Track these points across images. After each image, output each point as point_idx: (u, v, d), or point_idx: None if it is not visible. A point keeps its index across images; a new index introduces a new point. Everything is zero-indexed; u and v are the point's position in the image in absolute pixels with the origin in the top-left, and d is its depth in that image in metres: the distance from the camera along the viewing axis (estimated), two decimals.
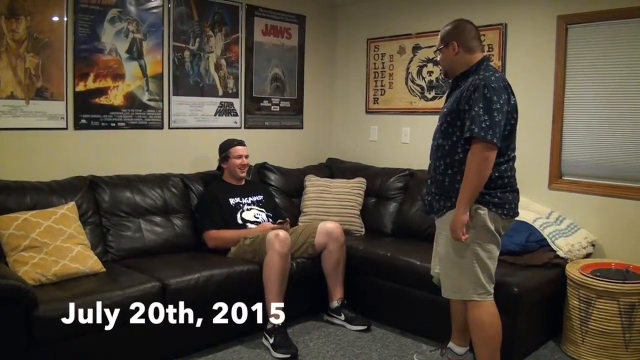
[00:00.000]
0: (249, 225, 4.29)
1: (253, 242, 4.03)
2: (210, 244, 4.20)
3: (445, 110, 3.10)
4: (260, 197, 4.53)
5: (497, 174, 2.95)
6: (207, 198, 4.37)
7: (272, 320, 3.78)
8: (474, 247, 2.99)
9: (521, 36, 4.50)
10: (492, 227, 2.99)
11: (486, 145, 2.82)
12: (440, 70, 3.25)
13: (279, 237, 3.83)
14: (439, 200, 3.13)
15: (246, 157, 4.50)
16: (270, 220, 4.40)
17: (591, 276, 3.57)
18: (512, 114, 2.97)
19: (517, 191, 3.09)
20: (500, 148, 2.88)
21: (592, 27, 4.12)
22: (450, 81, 3.25)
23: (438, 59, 3.24)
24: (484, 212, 2.96)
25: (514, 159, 3.06)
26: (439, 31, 4.92)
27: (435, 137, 3.18)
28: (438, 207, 3.15)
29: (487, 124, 2.80)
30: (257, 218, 4.37)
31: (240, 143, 4.52)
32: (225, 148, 4.50)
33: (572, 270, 3.69)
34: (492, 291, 3.07)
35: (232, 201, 4.35)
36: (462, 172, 2.93)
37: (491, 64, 3.16)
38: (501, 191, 2.99)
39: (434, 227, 4.47)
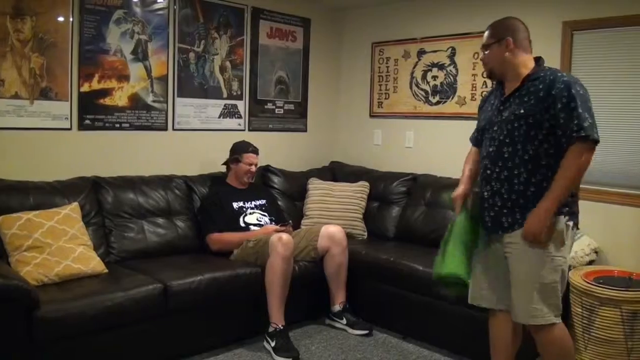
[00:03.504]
0: (252, 228, 4.29)
1: (256, 244, 4.03)
2: (213, 247, 4.20)
3: (521, 111, 2.71)
4: (263, 201, 4.53)
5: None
6: (210, 201, 4.37)
7: (274, 323, 3.78)
8: (560, 263, 2.73)
9: None
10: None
11: (590, 145, 2.62)
12: (483, 69, 2.97)
13: (282, 240, 3.83)
14: (511, 214, 2.77)
15: (255, 165, 4.50)
16: (273, 223, 4.39)
17: (594, 283, 3.55)
18: None
19: None
20: None
21: (597, 34, 4.12)
22: (493, 83, 3.05)
23: (481, 56, 2.94)
24: (570, 224, 2.74)
25: None
26: (443, 36, 5.00)
27: (504, 142, 2.78)
28: (510, 222, 2.77)
29: (590, 122, 2.60)
30: (260, 221, 4.37)
31: (255, 151, 4.52)
32: (239, 150, 4.50)
33: (575, 278, 3.68)
34: None
35: (235, 205, 4.35)
36: (548, 179, 2.67)
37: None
38: (576, 200, 2.81)
39: (437, 231, 4.49)
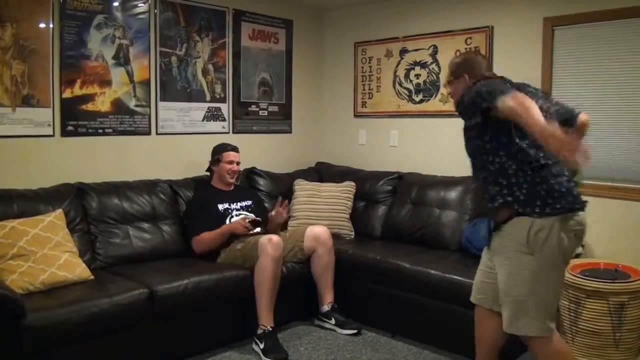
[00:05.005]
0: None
1: (244, 247, 4.02)
2: (196, 250, 4.18)
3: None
4: (249, 202, 4.52)
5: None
6: (195, 204, 4.36)
7: (262, 325, 3.78)
8: (524, 278, 2.63)
9: (507, 39, 4.52)
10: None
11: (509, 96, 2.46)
12: (452, 99, 3.05)
13: (272, 242, 3.82)
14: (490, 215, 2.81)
15: (237, 163, 4.48)
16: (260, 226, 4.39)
17: (580, 276, 3.58)
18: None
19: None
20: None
21: (578, 29, 4.15)
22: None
23: (449, 90, 3.14)
24: (530, 221, 2.59)
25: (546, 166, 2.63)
26: (425, 34, 5.02)
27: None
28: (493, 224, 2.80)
29: (496, 92, 2.49)
30: None
31: (234, 149, 4.51)
32: (219, 151, 4.49)
33: None
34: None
35: (220, 207, 4.33)
36: (492, 175, 2.67)
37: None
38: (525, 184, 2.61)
39: (423, 229, 4.53)
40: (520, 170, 2.61)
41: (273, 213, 4.46)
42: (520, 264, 2.63)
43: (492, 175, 2.69)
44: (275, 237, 3.88)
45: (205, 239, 4.16)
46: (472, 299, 3.04)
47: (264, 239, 3.87)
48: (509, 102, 2.44)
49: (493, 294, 2.87)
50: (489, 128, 2.64)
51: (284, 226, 4.69)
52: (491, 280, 2.88)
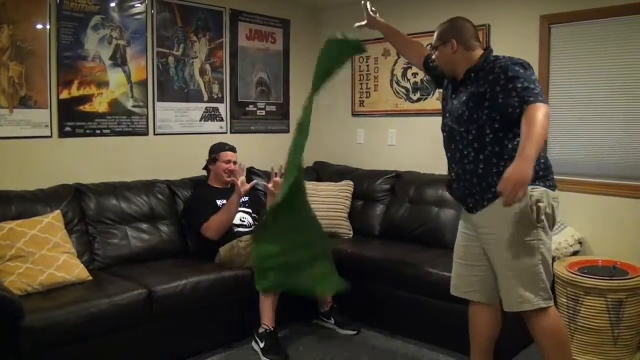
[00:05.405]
0: (235, 229, 4.25)
1: (248, 245, 3.99)
2: (210, 235, 4.12)
3: (464, 98, 2.85)
4: (245, 198, 4.48)
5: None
6: (194, 201, 4.34)
7: (264, 324, 3.77)
8: (535, 246, 2.74)
9: (504, 37, 4.52)
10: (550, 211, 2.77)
11: (544, 105, 2.55)
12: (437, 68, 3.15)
13: None
14: (473, 194, 2.85)
15: (234, 163, 4.47)
16: (257, 223, 4.39)
17: (578, 273, 3.58)
18: None
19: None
20: None
21: (574, 27, 4.15)
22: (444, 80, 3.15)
23: (434, 57, 3.10)
24: (541, 198, 2.71)
25: None
26: (422, 33, 5.00)
27: (452, 128, 2.91)
28: (475, 202, 2.86)
29: (537, 91, 2.58)
30: (244, 222, 4.35)
31: (232, 149, 4.49)
32: (216, 150, 4.48)
33: (560, 268, 3.70)
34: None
35: (219, 202, 4.29)
36: (495, 155, 2.75)
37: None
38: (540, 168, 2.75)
39: (422, 227, 4.52)
40: None
41: (269, 185, 4.30)
42: (526, 234, 2.73)
43: (508, 152, 2.69)
44: None
45: (215, 220, 4.12)
46: (459, 292, 3.11)
47: None
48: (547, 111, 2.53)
49: (481, 286, 2.98)
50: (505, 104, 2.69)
51: None
52: (478, 273, 2.98)
